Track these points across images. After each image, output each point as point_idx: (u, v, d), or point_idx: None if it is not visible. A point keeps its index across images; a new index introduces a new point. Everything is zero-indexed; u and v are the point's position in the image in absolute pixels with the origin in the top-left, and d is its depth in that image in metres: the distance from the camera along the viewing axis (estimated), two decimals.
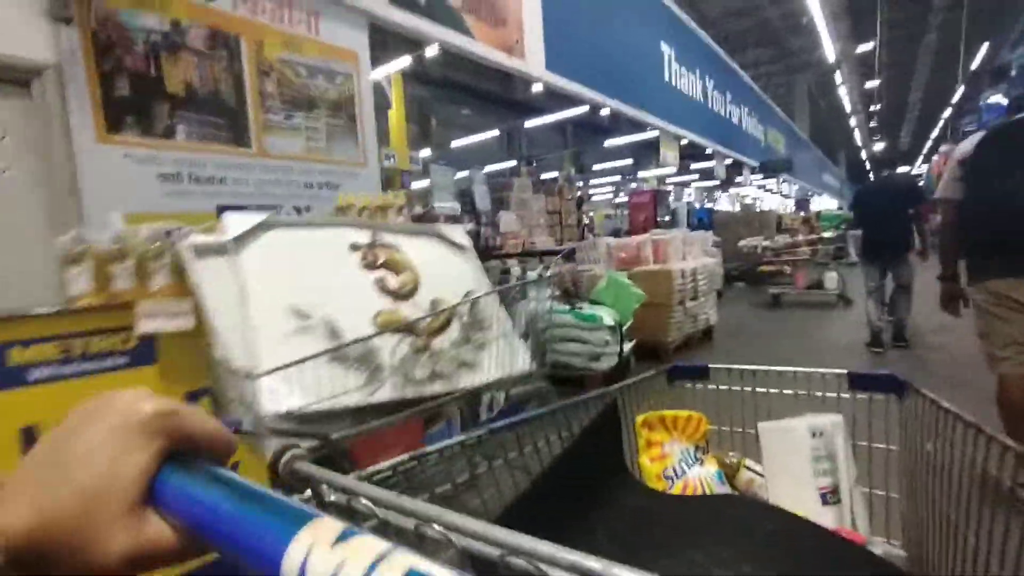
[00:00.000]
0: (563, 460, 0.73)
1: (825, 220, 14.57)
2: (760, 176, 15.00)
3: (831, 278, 6.38)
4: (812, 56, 16.33)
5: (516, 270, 3.78)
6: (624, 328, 3.47)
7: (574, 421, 0.83)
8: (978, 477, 0.64)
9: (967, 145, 2.11)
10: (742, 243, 8.16)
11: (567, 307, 3.46)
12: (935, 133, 25.34)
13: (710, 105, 9.80)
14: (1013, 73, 11.93)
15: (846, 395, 0.90)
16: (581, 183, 17.23)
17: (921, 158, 30.53)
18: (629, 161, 16.33)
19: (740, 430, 0.99)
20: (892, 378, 0.86)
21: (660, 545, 0.65)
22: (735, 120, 11.50)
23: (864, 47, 14.89)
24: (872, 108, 21.96)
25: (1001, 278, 1.93)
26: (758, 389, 0.97)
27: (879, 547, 0.79)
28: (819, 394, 0.92)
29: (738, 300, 7.62)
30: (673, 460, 0.87)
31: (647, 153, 13.82)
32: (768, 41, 16.15)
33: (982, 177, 2.01)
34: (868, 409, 0.88)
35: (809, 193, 21.57)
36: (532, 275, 2.17)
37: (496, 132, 13.73)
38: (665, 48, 7.80)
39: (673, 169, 9.87)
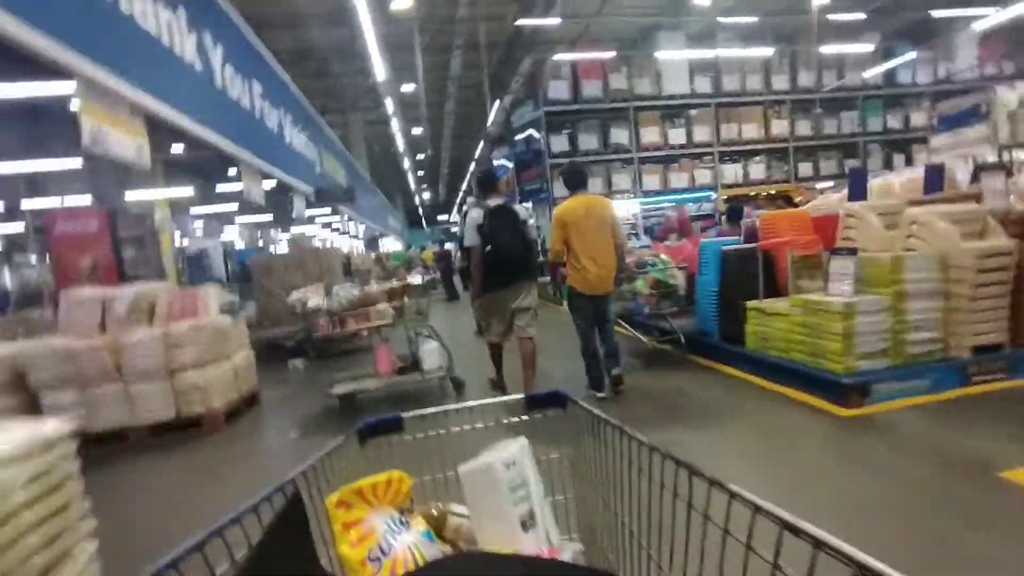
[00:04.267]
0: None
1: (395, 259, 13.52)
2: (322, 209, 12.47)
3: (431, 352, 3.89)
4: (367, 99, 15.38)
5: None
6: None
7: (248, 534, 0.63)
8: (626, 467, 0.80)
9: (478, 212, 3.93)
10: (291, 299, 4.86)
11: None
12: (464, 186, 30.05)
13: (224, 87, 6.19)
14: (517, 137, 13.94)
15: (526, 417, 1.02)
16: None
17: (456, 209, 36.17)
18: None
19: (441, 475, 0.99)
20: (557, 394, 1.01)
21: None
22: (273, 126, 8.27)
23: (407, 87, 14.77)
24: (419, 156, 23.62)
25: (496, 290, 3.91)
26: (452, 429, 1.02)
27: (567, 549, 0.88)
28: (505, 421, 1.02)
29: (281, 414, 4.27)
30: (378, 535, 0.79)
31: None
32: (322, 69, 14.03)
33: (488, 236, 3.85)
34: (543, 425, 1.02)
35: (378, 234, 21.00)
36: None
37: None
38: None
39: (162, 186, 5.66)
